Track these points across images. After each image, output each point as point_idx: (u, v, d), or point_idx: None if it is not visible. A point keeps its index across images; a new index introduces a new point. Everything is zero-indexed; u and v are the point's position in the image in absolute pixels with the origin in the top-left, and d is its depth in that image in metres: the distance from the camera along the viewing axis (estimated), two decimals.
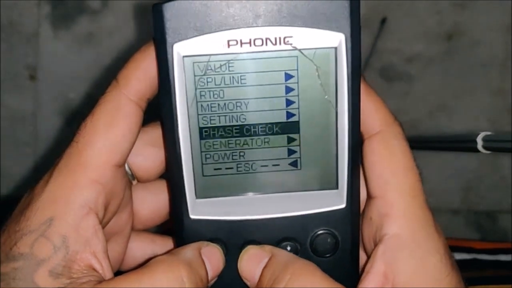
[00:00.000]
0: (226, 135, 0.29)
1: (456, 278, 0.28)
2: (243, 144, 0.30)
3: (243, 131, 0.29)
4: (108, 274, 0.27)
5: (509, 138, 0.41)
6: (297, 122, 0.29)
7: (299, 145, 0.30)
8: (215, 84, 0.29)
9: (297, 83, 0.29)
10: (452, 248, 0.60)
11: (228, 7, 0.27)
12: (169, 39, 0.27)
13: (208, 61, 0.28)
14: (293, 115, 0.29)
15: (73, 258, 0.27)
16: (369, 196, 0.30)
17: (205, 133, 0.29)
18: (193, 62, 0.28)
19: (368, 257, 0.29)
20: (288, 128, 0.30)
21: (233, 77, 0.29)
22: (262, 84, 0.29)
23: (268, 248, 0.30)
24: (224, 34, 0.27)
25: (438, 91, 0.95)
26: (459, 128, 0.94)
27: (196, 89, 0.28)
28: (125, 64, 0.29)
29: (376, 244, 0.29)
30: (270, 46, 0.28)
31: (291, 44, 0.28)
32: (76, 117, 0.94)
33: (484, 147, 0.44)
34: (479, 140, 0.44)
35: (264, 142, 0.30)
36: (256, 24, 0.27)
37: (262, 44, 0.28)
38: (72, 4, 0.93)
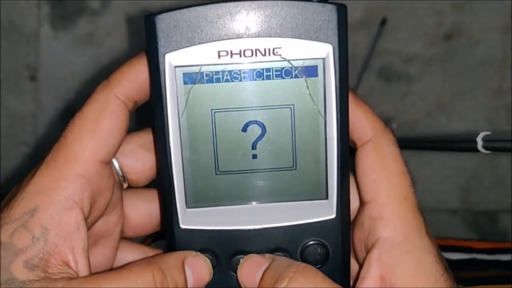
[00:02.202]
0: (217, 147, 0.30)
1: (450, 278, 0.28)
2: (234, 153, 0.30)
3: (234, 140, 0.30)
4: (83, 272, 0.27)
5: (509, 138, 0.42)
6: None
7: (292, 153, 0.30)
8: (206, 94, 0.29)
9: (287, 93, 0.29)
10: (452, 248, 0.61)
11: (219, 18, 0.28)
12: (161, 49, 0.28)
13: (199, 72, 0.29)
14: None
15: (51, 251, 0.27)
16: (361, 202, 0.31)
17: (196, 143, 0.30)
18: (184, 72, 0.29)
19: (361, 264, 0.30)
20: None
21: (223, 87, 0.29)
22: (253, 97, 0.29)
23: (268, 255, 0.30)
24: (214, 44, 0.28)
25: (438, 91, 0.95)
26: (458, 128, 0.94)
27: (187, 99, 0.29)
28: (120, 67, 0.30)
29: (368, 249, 0.29)
30: (260, 57, 0.28)
31: (280, 55, 0.28)
32: None
33: (484, 147, 0.44)
34: (479, 140, 0.44)
35: (255, 152, 0.30)
36: (246, 35, 0.28)
37: (252, 55, 0.28)
38: (72, 5, 0.93)
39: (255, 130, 0.30)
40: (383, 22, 0.93)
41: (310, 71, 0.29)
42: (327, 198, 0.30)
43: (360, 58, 0.93)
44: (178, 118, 0.29)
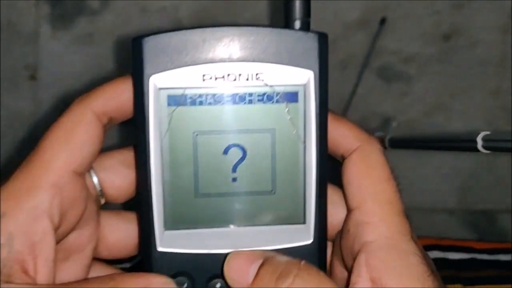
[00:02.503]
0: (198, 168, 0.30)
1: (437, 279, 0.29)
2: (214, 176, 0.30)
3: (214, 163, 0.30)
4: (42, 282, 0.27)
5: (509, 138, 0.42)
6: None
7: (271, 177, 0.30)
8: (189, 117, 0.29)
9: (268, 117, 0.30)
10: (452, 248, 0.61)
11: (204, 42, 0.28)
12: (146, 70, 0.29)
13: (183, 94, 0.29)
14: None
15: (15, 258, 0.26)
16: (348, 210, 0.31)
17: (177, 165, 0.30)
18: (168, 94, 0.29)
19: (349, 271, 0.30)
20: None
21: (206, 110, 0.29)
22: (236, 120, 0.30)
23: (258, 251, 0.30)
24: (199, 68, 0.29)
25: (437, 90, 0.95)
26: (457, 127, 0.94)
27: (170, 120, 0.29)
28: (104, 84, 0.31)
29: (355, 255, 0.29)
30: (243, 82, 0.29)
31: (262, 80, 0.29)
32: None
33: (484, 147, 0.44)
34: (479, 140, 0.45)
35: (235, 175, 0.30)
36: (230, 59, 0.29)
37: (235, 79, 0.29)
38: (72, 4, 0.93)
39: (236, 154, 0.30)
40: (383, 21, 0.93)
41: (291, 96, 0.29)
42: (304, 222, 0.30)
43: (359, 58, 0.93)
44: (160, 139, 0.29)
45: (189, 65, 0.28)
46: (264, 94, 0.29)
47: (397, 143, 0.70)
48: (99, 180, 0.31)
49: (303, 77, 0.29)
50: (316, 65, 0.29)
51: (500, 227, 0.97)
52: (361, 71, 0.93)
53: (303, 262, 0.28)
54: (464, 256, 0.58)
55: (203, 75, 0.28)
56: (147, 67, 0.28)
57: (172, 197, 0.30)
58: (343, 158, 0.31)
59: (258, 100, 0.29)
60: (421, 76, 0.94)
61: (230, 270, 0.29)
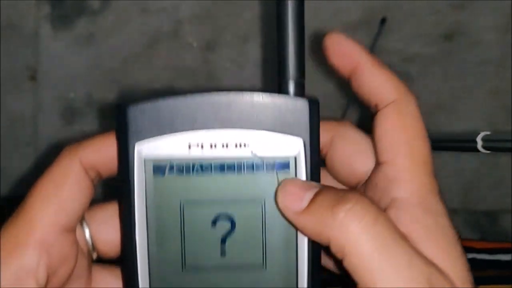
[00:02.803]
0: (185, 241, 0.29)
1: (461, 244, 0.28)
2: (202, 249, 0.29)
3: (202, 235, 0.29)
4: None
5: (509, 138, 0.42)
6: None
7: (262, 251, 0.29)
8: (175, 186, 0.28)
9: (258, 187, 0.29)
10: None
11: (191, 109, 0.28)
12: (131, 139, 0.28)
13: (169, 163, 0.28)
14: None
15: None
16: (378, 163, 0.30)
17: (163, 238, 0.29)
18: (154, 164, 0.28)
19: None
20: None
21: (193, 179, 0.28)
22: (224, 190, 0.29)
23: (314, 182, 0.28)
24: (185, 136, 0.28)
25: (437, 91, 0.95)
26: (458, 127, 0.94)
27: (155, 190, 0.28)
28: (94, 136, 0.30)
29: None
30: (231, 150, 0.28)
31: (251, 149, 0.28)
32: (76, 117, 0.94)
33: (484, 147, 0.44)
34: (479, 140, 0.44)
35: (224, 248, 0.29)
36: (218, 126, 0.28)
37: (223, 147, 0.28)
38: (72, 5, 0.93)
39: (224, 225, 0.29)
40: (383, 21, 0.93)
41: (281, 165, 0.29)
42: None
43: None
44: (145, 209, 0.28)
45: (175, 132, 0.28)
46: (253, 163, 0.28)
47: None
48: (90, 234, 0.30)
49: (294, 146, 0.28)
50: (307, 133, 0.28)
51: (502, 227, 0.97)
52: None
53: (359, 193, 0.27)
54: None
55: (190, 144, 0.28)
56: (132, 135, 0.28)
57: (158, 271, 0.29)
58: (376, 109, 0.30)
59: (247, 169, 0.28)
60: (422, 76, 0.94)
61: (283, 194, 0.28)
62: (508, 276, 0.54)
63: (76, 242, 0.29)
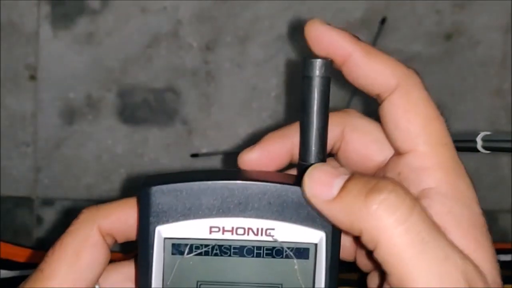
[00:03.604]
0: None
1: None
2: None
3: None
4: None
5: (509, 138, 0.41)
6: None
7: None
8: (193, 267, 0.29)
9: (276, 272, 0.29)
10: None
11: (214, 196, 0.28)
12: (152, 220, 0.28)
13: (189, 245, 0.28)
14: None
15: None
16: (397, 153, 0.29)
17: None
18: (173, 243, 0.28)
19: None
20: None
21: (212, 261, 0.29)
22: (242, 273, 0.29)
23: (343, 168, 0.27)
24: (207, 221, 0.28)
25: (437, 91, 0.95)
26: (458, 127, 0.94)
27: (173, 270, 0.29)
28: (114, 202, 0.30)
29: None
30: (252, 236, 0.28)
31: (272, 236, 0.28)
32: (76, 117, 0.94)
33: (484, 147, 0.44)
34: (479, 140, 0.44)
35: None
36: (239, 215, 0.28)
37: (244, 233, 0.28)
38: (72, 4, 0.93)
39: None
40: (383, 21, 0.93)
41: (301, 253, 0.29)
42: None
43: None
44: (163, 287, 0.29)
45: (197, 217, 0.28)
46: (273, 248, 0.28)
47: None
48: None
49: (315, 237, 0.28)
50: (328, 226, 0.28)
51: (501, 226, 0.97)
52: None
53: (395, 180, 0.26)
54: None
55: (211, 227, 0.28)
56: (154, 216, 0.28)
57: None
58: (381, 99, 0.29)
59: (267, 255, 0.29)
60: (422, 76, 0.94)
61: (311, 182, 0.26)
62: (508, 276, 0.53)
63: None
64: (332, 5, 0.93)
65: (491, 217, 0.97)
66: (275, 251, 0.29)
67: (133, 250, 0.31)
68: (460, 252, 0.25)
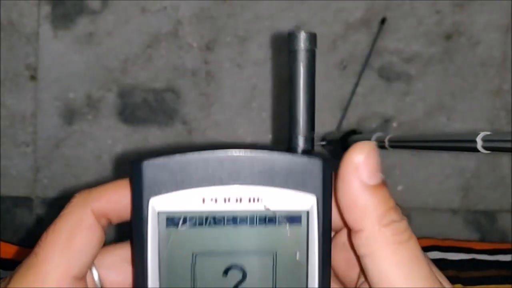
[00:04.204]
0: None
1: None
2: None
3: (214, 284, 0.30)
4: None
5: (509, 138, 0.41)
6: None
7: None
8: (188, 238, 0.29)
9: (269, 239, 0.29)
10: (453, 248, 0.61)
11: (205, 165, 0.28)
12: (145, 193, 0.28)
13: (182, 217, 0.29)
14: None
15: None
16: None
17: (174, 285, 0.29)
18: (167, 217, 0.29)
19: None
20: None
21: (206, 231, 0.29)
22: (236, 242, 0.29)
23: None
24: (199, 190, 0.28)
25: (437, 91, 0.95)
26: (458, 128, 0.94)
27: (168, 242, 0.29)
28: (106, 183, 0.30)
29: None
30: (244, 204, 0.29)
31: (264, 204, 0.29)
32: (76, 117, 0.94)
33: (484, 147, 0.44)
34: (479, 140, 0.44)
35: None
36: (232, 183, 0.28)
37: (237, 201, 0.28)
38: (72, 4, 0.93)
39: (236, 275, 0.29)
40: (383, 21, 0.93)
41: (293, 219, 0.29)
42: None
43: (360, 57, 0.93)
44: (158, 260, 0.29)
45: (189, 188, 0.28)
46: (265, 216, 0.29)
47: (397, 143, 0.69)
48: (99, 278, 0.30)
49: (307, 202, 0.29)
50: (320, 191, 0.28)
51: (501, 226, 0.97)
52: (362, 71, 0.93)
53: None
54: (464, 257, 0.58)
55: (203, 198, 0.28)
56: (146, 189, 0.28)
57: None
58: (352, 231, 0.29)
59: (260, 222, 0.29)
60: (422, 76, 0.94)
61: (365, 159, 0.26)
62: (508, 276, 0.54)
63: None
64: (332, 5, 0.93)
65: (491, 217, 0.98)
66: (268, 219, 0.29)
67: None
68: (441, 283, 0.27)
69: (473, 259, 0.57)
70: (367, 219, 0.26)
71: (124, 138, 0.95)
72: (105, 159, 0.95)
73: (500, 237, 0.96)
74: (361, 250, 0.27)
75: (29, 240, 0.97)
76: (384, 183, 0.27)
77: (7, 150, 0.94)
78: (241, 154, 0.29)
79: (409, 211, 0.96)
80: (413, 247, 0.26)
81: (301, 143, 0.30)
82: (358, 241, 0.27)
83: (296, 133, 0.30)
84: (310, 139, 0.30)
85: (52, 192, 0.96)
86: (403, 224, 0.27)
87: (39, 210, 0.96)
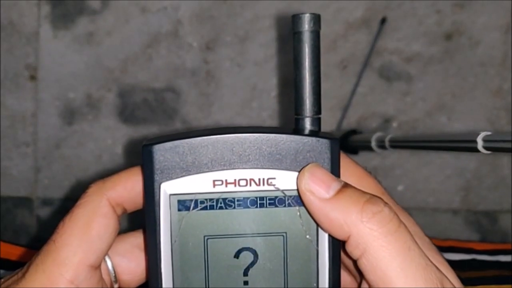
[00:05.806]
0: (209, 272, 0.30)
1: None
2: (225, 279, 0.30)
3: (226, 266, 0.30)
4: None
5: (509, 138, 0.41)
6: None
7: (284, 282, 0.30)
8: (200, 221, 0.29)
9: (280, 221, 0.29)
10: (453, 249, 0.60)
11: (215, 149, 0.29)
12: (157, 178, 0.29)
13: (194, 199, 0.29)
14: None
15: None
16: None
17: (188, 269, 0.30)
18: (179, 200, 0.29)
19: None
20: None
21: (217, 214, 0.29)
22: (247, 224, 0.30)
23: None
24: (210, 174, 0.29)
25: (438, 90, 0.95)
26: (458, 127, 0.94)
27: (180, 226, 0.29)
28: (119, 172, 0.30)
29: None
30: (254, 186, 0.29)
31: (274, 185, 0.29)
32: (76, 117, 0.94)
33: (484, 147, 0.44)
34: (479, 140, 0.44)
35: (247, 278, 0.30)
36: (241, 166, 0.29)
37: (247, 184, 0.29)
38: (72, 4, 0.93)
39: (247, 257, 0.30)
40: (383, 21, 0.93)
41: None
42: None
43: (360, 57, 0.93)
44: (170, 244, 0.29)
45: (200, 172, 0.28)
46: (275, 198, 0.29)
47: (397, 143, 0.69)
48: (113, 265, 0.31)
49: None
50: (328, 170, 0.28)
51: (501, 227, 0.97)
52: (362, 71, 0.93)
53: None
54: (464, 257, 0.57)
55: (214, 181, 0.28)
56: (158, 174, 0.28)
57: None
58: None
59: (270, 204, 0.29)
60: (422, 76, 0.94)
61: (311, 178, 0.27)
62: (508, 276, 0.53)
63: (101, 279, 0.30)
64: (332, 4, 0.93)
65: (491, 217, 0.98)
66: (277, 200, 0.29)
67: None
68: (436, 266, 0.27)
69: (473, 260, 0.57)
70: (348, 222, 0.26)
71: (124, 138, 0.95)
72: (105, 159, 0.95)
73: (500, 238, 0.96)
74: (354, 254, 0.27)
75: (29, 240, 0.97)
76: (345, 185, 0.27)
77: (7, 150, 0.94)
78: (249, 136, 0.29)
79: (409, 211, 0.96)
80: (403, 236, 0.26)
81: (308, 124, 0.30)
82: (350, 247, 0.27)
83: (302, 114, 0.30)
84: (317, 120, 0.30)
85: (52, 192, 0.96)
86: (386, 212, 0.26)
87: (39, 210, 0.96)
